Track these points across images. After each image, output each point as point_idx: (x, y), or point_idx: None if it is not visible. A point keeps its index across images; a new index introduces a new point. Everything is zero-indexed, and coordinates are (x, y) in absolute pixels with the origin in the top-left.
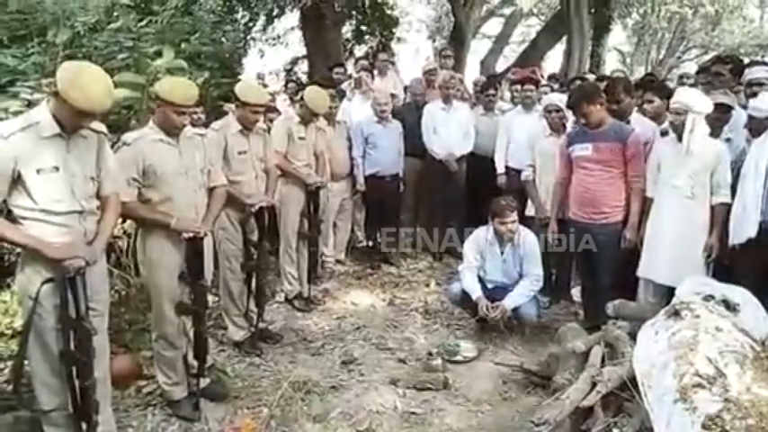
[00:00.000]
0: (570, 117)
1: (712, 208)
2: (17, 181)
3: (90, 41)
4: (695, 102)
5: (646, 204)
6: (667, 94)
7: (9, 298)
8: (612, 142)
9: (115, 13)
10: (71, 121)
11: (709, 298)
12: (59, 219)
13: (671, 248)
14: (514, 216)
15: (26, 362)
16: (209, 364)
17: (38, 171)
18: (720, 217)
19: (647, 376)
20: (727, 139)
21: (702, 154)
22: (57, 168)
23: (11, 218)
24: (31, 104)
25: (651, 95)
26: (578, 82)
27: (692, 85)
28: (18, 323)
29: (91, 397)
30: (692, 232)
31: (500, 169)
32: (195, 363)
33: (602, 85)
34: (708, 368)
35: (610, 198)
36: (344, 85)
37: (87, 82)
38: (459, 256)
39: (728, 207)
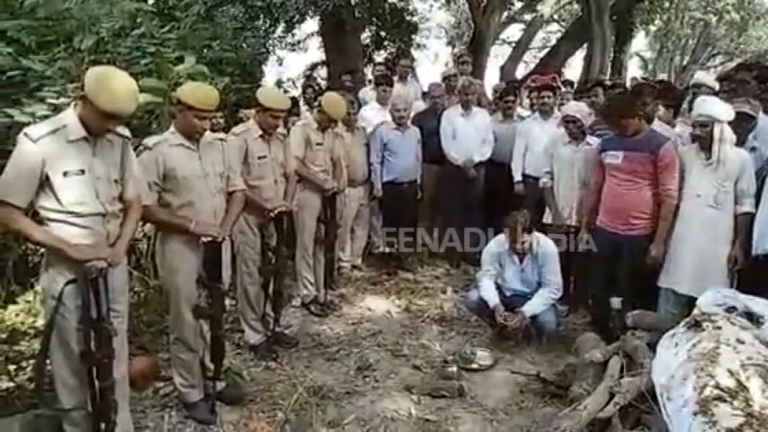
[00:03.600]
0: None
1: (736, 217)
2: (44, 183)
3: (114, 47)
4: (719, 111)
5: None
6: (675, 99)
7: (32, 298)
8: (644, 152)
9: (139, 20)
10: (98, 125)
11: (731, 309)
12: (83, 221)
13: (693, 258)
14: (525, 236)
15: (48, 361)
16: (226, 368)
17: (64, 174)
18: (744, 227)
19: (666, 388)
20: (753, 148)
21: (727, 163)
22: (82, 171)
23: (37, 219)
24: (57, 109)
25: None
26: (598, 89)
27: (714, 94)
28: (41, 322)
29: (110, 397)
30: (716, 242)
31: (517, 177)
32: (211, 366)
33: (618, 91)
34: (729, 381)
35: (636, 208)
36: (361, 93)
37: (114, 86)
38: (477, 264)
39: (752, 217)
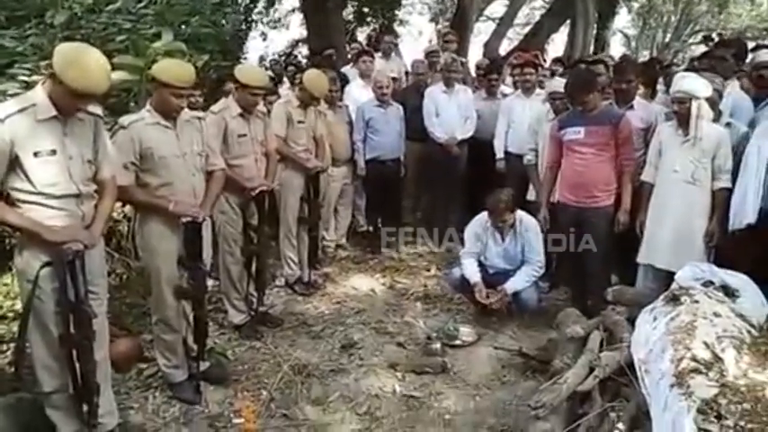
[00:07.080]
0: None
1: (713, 193)
2: (14, 164)
3: (88, 23)
4: (696, 88)
5: (644, 189)
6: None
7: (11, 281)
8: (604, 125)
9: None
10: (68, 104)
11: (708, 284)
12: (57, 202)
13: (671, 234)
14: (507, 214)
15: (27, 344)
16: (209, 348)
17: (35, 154)
18: (721, 202)
19: (644, 361)
20: (728, 124)
21: (704, 139)
22: (54, 152)
23: (9, 201)
24: (29, 86)
25: None
26: (581, 66)
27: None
28: (20, 305)
29: (91, 379)
30: (693, 217)
31: (499, 154)
32: (195, 346)
33: (599, 67)
34: (705, 353)
35: (601, 181)
36: (345, 69)
37: (85, 63)
38: (461, 242)
39: (729, 192)
